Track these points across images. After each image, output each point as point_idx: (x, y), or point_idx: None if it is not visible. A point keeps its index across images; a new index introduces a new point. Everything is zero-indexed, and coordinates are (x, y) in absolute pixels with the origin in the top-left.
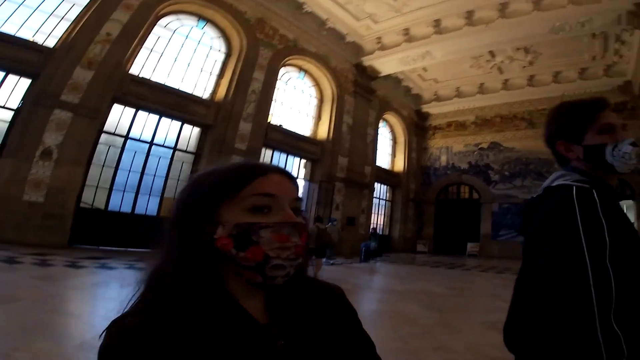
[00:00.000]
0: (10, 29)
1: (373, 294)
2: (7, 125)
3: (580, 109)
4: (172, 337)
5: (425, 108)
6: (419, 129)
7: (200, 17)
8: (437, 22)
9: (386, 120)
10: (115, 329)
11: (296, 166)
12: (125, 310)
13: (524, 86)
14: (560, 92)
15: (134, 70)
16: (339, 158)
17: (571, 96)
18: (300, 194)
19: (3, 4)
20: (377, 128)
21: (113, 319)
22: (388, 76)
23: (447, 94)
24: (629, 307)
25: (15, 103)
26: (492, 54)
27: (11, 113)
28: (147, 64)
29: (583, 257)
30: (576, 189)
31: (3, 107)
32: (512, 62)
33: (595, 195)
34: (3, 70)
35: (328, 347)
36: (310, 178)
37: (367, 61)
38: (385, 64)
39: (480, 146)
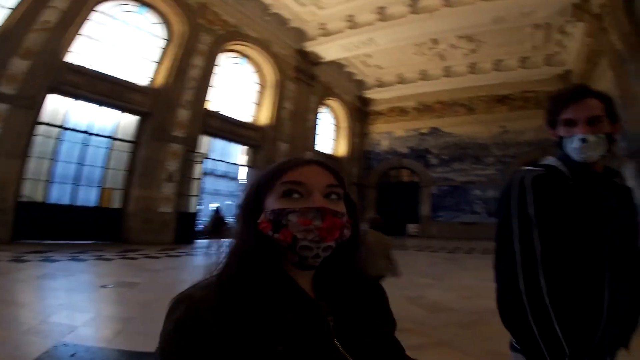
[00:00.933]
0: None
1: None
2: None
3: (556, 100)
4: (239, 307)
5: (368, 94)
6: (361, 114)
7: (141, 2)
8: (381, 9)
9: (328, 106)
10: (187, 300)
11: (237, 153)
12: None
13: (465, 73)
14: (501, 80)
15: (72, 58)
16: (280, 144)
17: (511, 84)
18: (333, 183)
19: None
20: (318, 113)
21: (181, 292)
22: (331, 62)
23: (390, 80)
24: (559, 268)
25: None
26: (435, 41)
27: None
28: (85, 52)
29: (511, 228)
30: (521, 174)
31: None
32: (454, 50)
33: (529, 182)
34: None
35: (371, 332)
36: (251, 164)
37: (310, 47)
38: (329, 50)
39: (420, 131)
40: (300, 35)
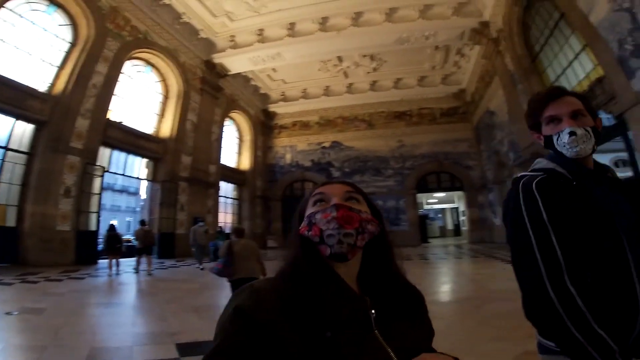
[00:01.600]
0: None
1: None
2: None
3: (535, 102)
4: (294, 296)
5: (272, 108)
6: (265, 127)
7: (52, 1)
8: (291, 25)
9: (233, 119)
10: (249, 288)
11: (137, 166)
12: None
13: (367, 90)
14: (400, 97)
15: None
16: (183, 156)
17: (409, 101)
18: (350, 190)
19: None
20: (222, 126)
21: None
22: (237, 75)
23: (294, 94)
24: (583, 270)
25: None
26: (340, 59)
27: None
28: None
29: (528, 237)
30: (523, 181)
31: None
32: (357, 68)
33: (534, 187)
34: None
35: (410, 328)
36: (152, 178)
37: (217, 58)
38: (236, 63)
39: (322, 145)
40: (209, 46)
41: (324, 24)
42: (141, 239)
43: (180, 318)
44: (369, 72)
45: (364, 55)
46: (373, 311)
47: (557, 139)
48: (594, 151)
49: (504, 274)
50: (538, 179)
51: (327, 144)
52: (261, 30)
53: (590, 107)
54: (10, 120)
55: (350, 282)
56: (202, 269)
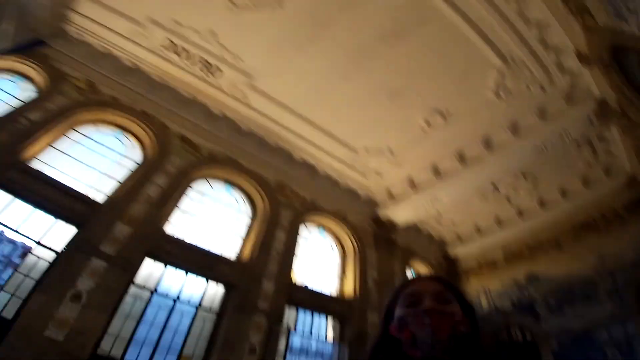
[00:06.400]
0: (66, 181)
1: None
2: (47, 264)
3: None
4: None
5: (451, 251)
6: (451, 275)
7: (228, 182)
8: (434, 168)
9: (413, 268)
10: None
11: (323, 326)
12: None
13: (537, 210)
14: (573, 206)
15: (168, 229)
16: (369, 315)
17: (585, 207)
18: (442, 290)
19: (61, 159)
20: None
21: None
22: (407, 225)
23: (468, 232)
24: None
25: (58, 246)
26: (495, 186)
27: (53, 254)
28: (179, 224)
29: None
30: None
31: (48, 248)
32: (516, 190)
33: None
34: (54, 215)
35: None
36: (339, 339)
37: (382, 214)
38: (400, 214)
39: (517, 281)
40: (372, 203)
41: (461, 158)
42: None
43: None
44: (530, 191)
45: (516, 176)
46: None
47: None
48: None
49: None
50: None
51: (521, 279)
52: (410, 179)
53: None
54: (203, 282)
55: None
56: None
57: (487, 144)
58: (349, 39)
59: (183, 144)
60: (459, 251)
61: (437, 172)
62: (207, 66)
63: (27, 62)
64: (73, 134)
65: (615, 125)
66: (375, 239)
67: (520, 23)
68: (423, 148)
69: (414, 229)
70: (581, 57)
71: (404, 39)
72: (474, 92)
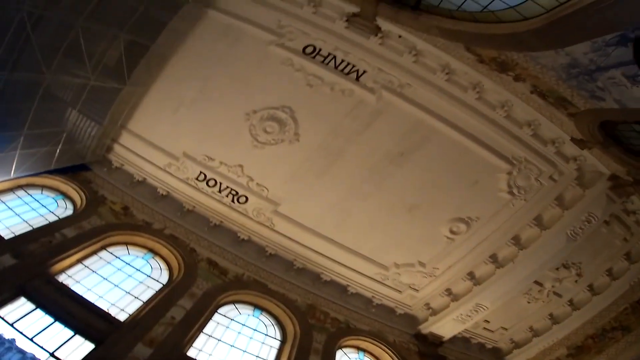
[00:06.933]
0: (91, 297)
1: None
2: None
3: None
4: None
5: (511, 359)
6: None
7: (256, 306)
8: (471, 275)
9: None
10: None
11: None
12: None
13: (590, 298)
14: (625, 285)
15: (192, 353)
16: None
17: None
18: None
19: (89, 276)
20: None
21: None
22: (453, 338)
23: (524, 337)
24: None
25: None
26: (538, 283)
27: None
28: (204, 348)
29: None
30: None
31: None
32: (561, 282)
33: None
34: (73, 329)
35: None
36: None
37: (424, 329)
38: (444, 328)
39: None
40: (411, 319)
41: (495, 260)
42: None
43: None
44: (576, 280)
45: (557, 268)
46: None
47: None
48: None
49: None
50: None
51: None
52: (448, 289)
53: None
54: None
55: None
56: None
57: (517, 242)
58: (361, 163)
59: (210, 267)
60: (520, 358)
61: (473, 278)
62: (235, 195)
63: (69, 183)
64: (104, 253)
65: (635, 194)
66: (421, 357)
67: (512, 126)
68: (454, 257)
69: (461, 340)
70: (577, 142)
71: (410, 158)
72: (489, 195)
